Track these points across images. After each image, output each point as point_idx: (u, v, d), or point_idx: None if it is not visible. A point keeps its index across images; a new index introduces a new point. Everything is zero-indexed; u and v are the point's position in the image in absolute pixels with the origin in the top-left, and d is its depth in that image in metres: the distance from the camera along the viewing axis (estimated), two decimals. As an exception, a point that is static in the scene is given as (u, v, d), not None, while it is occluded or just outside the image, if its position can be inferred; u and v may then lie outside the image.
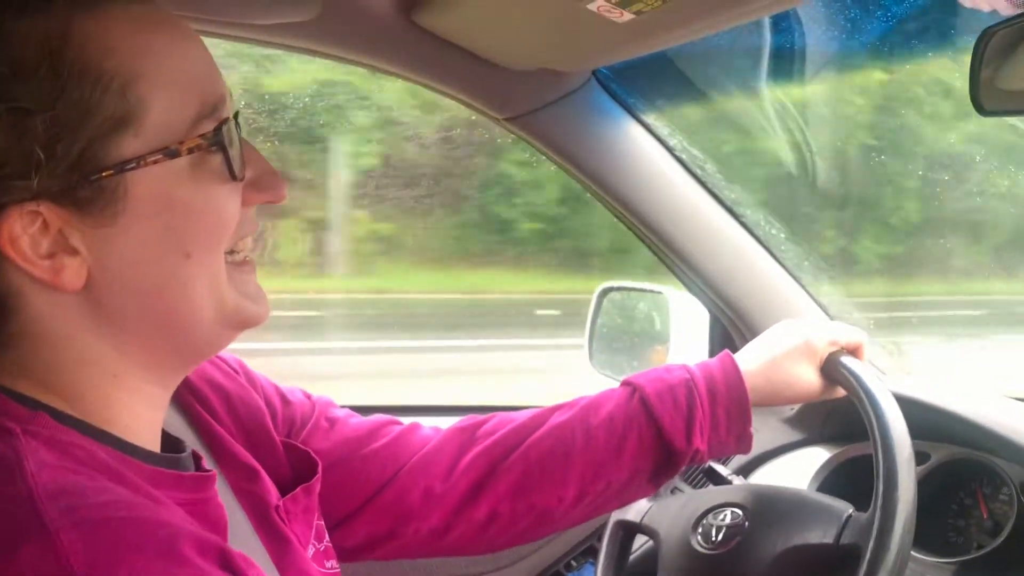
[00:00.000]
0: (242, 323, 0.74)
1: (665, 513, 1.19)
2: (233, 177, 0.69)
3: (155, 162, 0.65)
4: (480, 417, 1.08)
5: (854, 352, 1.10)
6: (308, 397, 1.05)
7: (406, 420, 1.09)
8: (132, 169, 0.64)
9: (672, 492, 1.26)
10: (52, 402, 0.67)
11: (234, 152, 0.69)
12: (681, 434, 1.00)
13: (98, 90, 0.63)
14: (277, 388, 1.02)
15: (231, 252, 0.72)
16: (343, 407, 1.08)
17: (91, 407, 0.68)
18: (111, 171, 0.63)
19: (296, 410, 1.01)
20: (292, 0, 1.10)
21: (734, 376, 1.03)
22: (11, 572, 0.55)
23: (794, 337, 1.07)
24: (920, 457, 1.20)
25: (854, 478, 1.31)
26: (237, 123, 0.71)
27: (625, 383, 1.06)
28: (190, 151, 0.66)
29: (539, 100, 1.31)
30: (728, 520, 1.10)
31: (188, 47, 0.69)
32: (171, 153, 0.65)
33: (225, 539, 0.72)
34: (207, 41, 0.73)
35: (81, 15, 0.64)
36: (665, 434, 1.00)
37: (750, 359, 1.06)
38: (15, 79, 0.61)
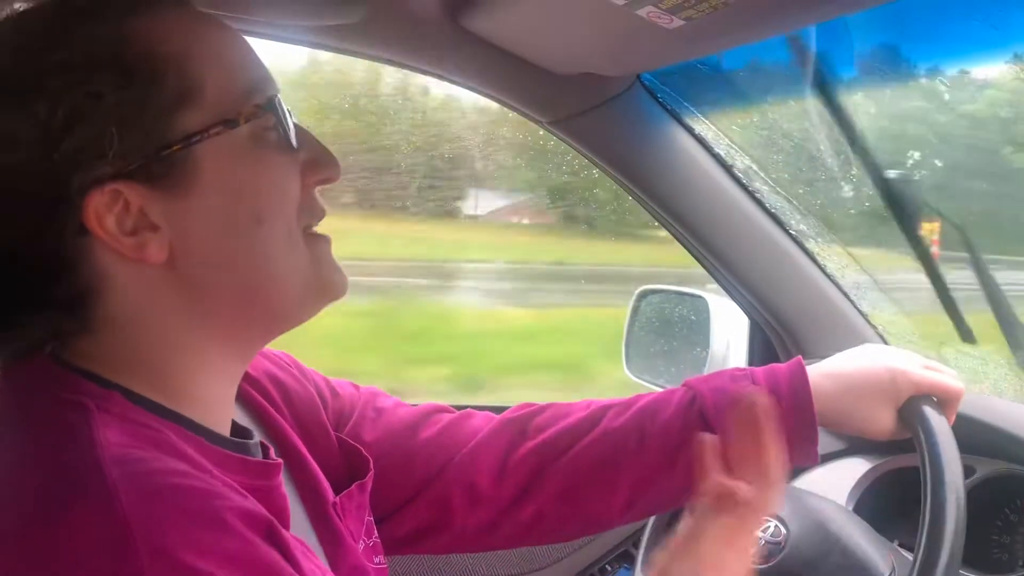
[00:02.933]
0: (324, 291, 0.77)
1: None
2: (290, 146, 0.73)
3: (217, 133, 0.69)
4: (533, 407, 1.05)
5: (946, 404, 0.97)
6: (356, 388, 1.06)
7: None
8: (198, 142, 0.68)
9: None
10: (127, 383, 0.70)
11: (288, 124, 0.73)
12: None
13: (159, 72, 0.68)
14: (327, 381, 1.03)
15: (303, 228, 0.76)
16: (391, 397, 1.08)
17: (169, 385, 0.72)
18: (179, 145, 0.68)
19: (344, 402, 1.02)
20: (338, 3, 1.11)
21: (803, 398, 0.95)
22: (67, 524, 0.58)
23: (880, 371, 0.97)
24: (965, 471, 1.17)
25: (894, 492, 1.29)
26: (287, 111, 0.75)
27: (687, 387, 1.01)
28: (247, 120, 0.70)
29: (583, 104, 1.30)
30: (770, 534, 1.09)
31: (230, 36, 0.74)
32: (231, 124, 0.70)
33: (287, 528, 0.74)
34: (256, 42, 0.78)
35: (132, 18, 0.69)
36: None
37: (825, 380, 0.97)
38: (88, 68, 0.66)
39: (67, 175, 0.65)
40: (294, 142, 0.74)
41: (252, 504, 0.64)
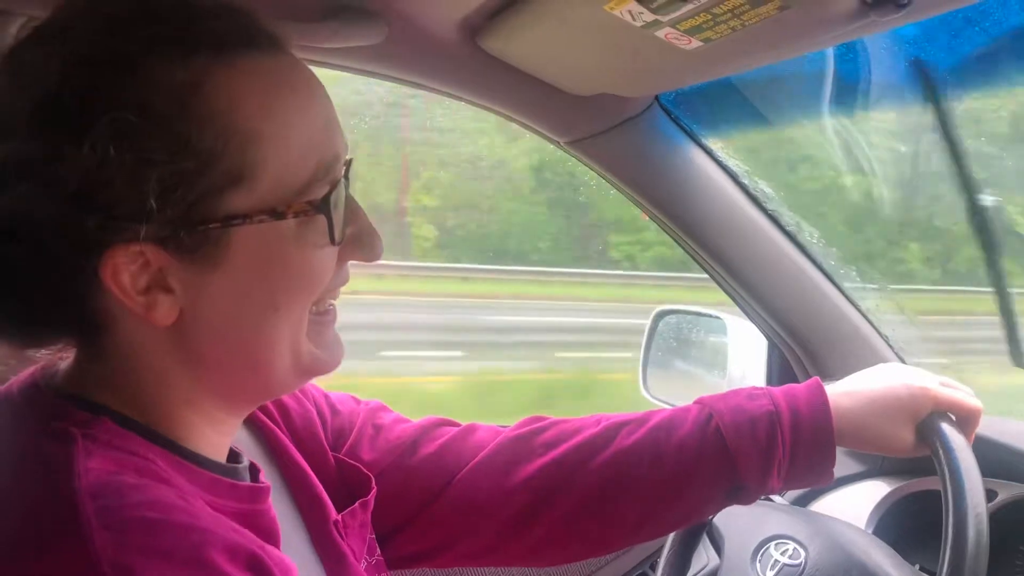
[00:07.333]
0: (313, 372, 0.76)
1: (736, 521, 1.16)
2: (333, 241, 0.70)
3: (261, 221, 0.66)
4: (540, 423, 1.03)
5: (965, 422, 0.97)
6: (357, 403, 1.04)
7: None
8: (239, 225, 0.66)
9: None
10: (118, 407, 0.69)
11: (338, 215, 0.70)
12: (756, 473, 0.94)
13: (220, 144, 0.64)
14: (327, 397, 1.01)
15: (316, 303, 0.73)
16: (391, 412, 1.06)
17: (161, 415, 0.71)
18: (218, 224, 0.65)
19: (344, 419, 1.00)
20: (359, 26, 1.12)
21: (823, 416, 0.94)
22: (42, 564, 0.57)
23: (899, 389, 0.97)
24: (987, 495, 1.16)
25: (914, 515, 1.28)
26: (347, 177, 0.72)
27: (702, 405, 0.99)
28: (296, 215, 0.68)
29: (601, 124, 1.31)
30: (788, 558, 1.08)
31: (313, 105, 0.70)
32: (278, 215, 0.67)
33: (278, 549, 0.73)
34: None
35: (217, 65, 0.65)
36: (739, 471, 0.94)
37: (844, 399, 0.97)
38: (145, 125, 0.62)
39: (94, 227, 0.63)
40: (338, 236, 0.70)
41: (238, 535, 0.62)
